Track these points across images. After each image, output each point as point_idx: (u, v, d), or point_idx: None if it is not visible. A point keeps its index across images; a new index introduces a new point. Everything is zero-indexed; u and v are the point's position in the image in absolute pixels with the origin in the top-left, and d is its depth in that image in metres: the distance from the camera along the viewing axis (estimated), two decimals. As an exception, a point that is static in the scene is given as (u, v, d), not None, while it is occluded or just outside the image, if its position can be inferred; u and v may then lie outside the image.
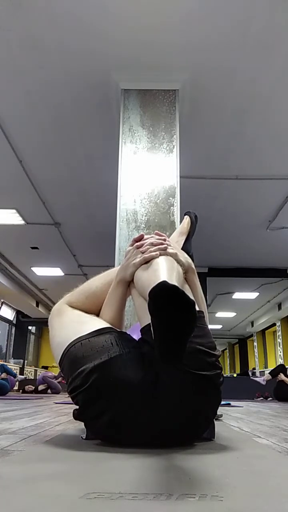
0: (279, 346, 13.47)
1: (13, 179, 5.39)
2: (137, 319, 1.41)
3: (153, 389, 1.07)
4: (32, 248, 7.93)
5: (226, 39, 3.24)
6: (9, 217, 6.56)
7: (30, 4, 2.98)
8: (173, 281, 0.99)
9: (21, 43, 3.30)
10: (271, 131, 4.37)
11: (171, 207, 3.29)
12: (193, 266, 1.34)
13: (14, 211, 6.39)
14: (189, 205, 3.68)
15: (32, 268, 9.38)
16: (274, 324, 14.09)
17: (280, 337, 13.38)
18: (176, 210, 3.28)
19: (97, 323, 1.27)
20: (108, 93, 3.77)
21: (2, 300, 11.43)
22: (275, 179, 5.26)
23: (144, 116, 3.52)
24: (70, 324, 1.30)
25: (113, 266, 2.85)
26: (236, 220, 6.60)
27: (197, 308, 0.87)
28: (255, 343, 16.58)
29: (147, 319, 1.06)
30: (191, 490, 0.68)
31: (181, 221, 3.21)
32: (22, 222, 6.71)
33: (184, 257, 1.30)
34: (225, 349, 20.92)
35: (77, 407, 1.17)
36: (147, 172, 3.36)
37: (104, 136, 4.37)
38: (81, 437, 1.30)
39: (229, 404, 4.59)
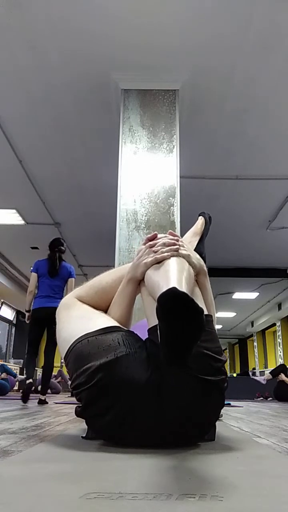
0: (279, 346, 13.47)
1: (13, 179, 5.40)
2: (140, 318, 1.41)
3: (157, 390, 1.07)
4: (32, 248, 7.93)
5: (225, 39, 3.24)
6: (9, 217, 6.57)
7: (30, 5, 2.98)
8: (183, 286, 0.99)
9: (21, 44, 3.30)
10: (271, 131, 4.37)
11: (171, 207, 3.28)
12: (205, 268, 1.31)
13: (14, 211, 6.39)
14: (189, 205, 3.70)
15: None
16: (274, 324, 14.09)
17: (280, 337, 13.37)
18: (176, 210, 3.28)
19: (105, 321, 1.26)
20: (108, 93, 3.77)
21: (2, 300, 11.42)
22: (275, 179, 5.26)
23: (144, 116, 3.52)
24: (78, 320, 1.29)
25: (113, 266, 2.85)
26: (236, 220, 6.60)
27: (205, 312, 0.87)
28: (255, 343, 16.58)
29: (155, 319, 1.05)
30: (191, 490, 0.68)
31: (181, 221, 3.23)
32: (22, 222, 6.71)
33: (196, 258, 1.28)
34: (225, 349, 20.93)
35: (80, 404, 1.17)
36: (147, 172, 3.36)
37: (104, 136, 4.37)
38: (81, 436, 1.30)
39: (229, 404, 4.59)
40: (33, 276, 4.26)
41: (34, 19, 3.09)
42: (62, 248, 4.42)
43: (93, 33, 3.20)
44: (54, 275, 4.19)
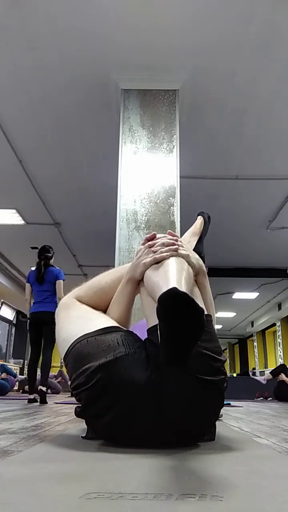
0: (279, 346, 13.47)
1: (13, 179, 5.39)
2: (140, 318, 1.40)
3: (157, 390, 1.07)
4: (32, 248, 7.91)
5: (226, 39, 3.24)
6: (9, 217, 6.57)
7: (30, 6, 2.98)
8: (182, 286, 0.99)
9: (21, 44, 3.30)
10: (271, 131, 4.37)
11: (171, 207, 3.28)
12: (204, 268, 1.31)
13: (14, 211, 6.39)
14: (189, 205, 3.69)
15: (32, 268, 9.37)
16: (274, 324, 14.09)
17: (280, 337, 13.37)
18: (176, 210, 3.27)
19: (104, 321, 1.26)
20: (108, 93, 3.77)
21: (2, 300, 11.42)
22: (275, 179, 5.26)
23: (144, 116, 3.52)
24: (77, 320, 1.29)
25: (113, 266, 2.85)
26: (236, 220, 6.60)
27: (205, 312, 0.86)
28: (255, 343, 16.58)
29: (154, 320, 1.05)
30: (191, 490, 0.68)
31: (181, 221, 3.23)
32: (22, 222, 6.71)
33: (195, 258, 1.28)
34: (225, 349, 20.92)
35: (80, 404, 1.17)
36: (147, 172, 3.36)
37: (104, 136, 4.37)
38: (81, 436, 1.30)
39: (229, 404, 4.59)
40: (27, 286, 4.71)
41: (34, 19, 3.09)
42: (48, 255, 4.79)
43: (93, 33, 3.20)
44: (41, 282, 4.57)
